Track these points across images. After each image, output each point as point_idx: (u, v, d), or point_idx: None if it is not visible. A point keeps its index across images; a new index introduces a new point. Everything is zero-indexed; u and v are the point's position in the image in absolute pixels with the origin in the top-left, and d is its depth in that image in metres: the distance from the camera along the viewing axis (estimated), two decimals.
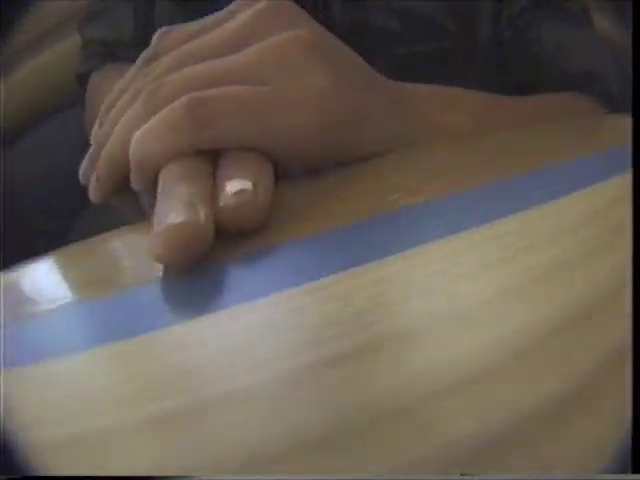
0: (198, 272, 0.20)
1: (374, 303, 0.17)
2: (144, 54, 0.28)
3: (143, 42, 0.54)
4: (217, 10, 0.47)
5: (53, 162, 0.72)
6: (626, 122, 0.24)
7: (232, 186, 0.21)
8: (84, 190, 0.28)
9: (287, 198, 0.23)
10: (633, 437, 0.16)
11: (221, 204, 0.21)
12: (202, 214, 0.20)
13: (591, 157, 0.27)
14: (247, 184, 0.21)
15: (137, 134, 0.24)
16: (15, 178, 0.68)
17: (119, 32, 0.56)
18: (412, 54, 0.43)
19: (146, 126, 0.24)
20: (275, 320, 0.18)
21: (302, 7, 0.28)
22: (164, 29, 0.29)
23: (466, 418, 0.14)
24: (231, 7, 0.27)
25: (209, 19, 0.28)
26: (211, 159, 0.23)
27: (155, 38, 0.29)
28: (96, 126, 0.28)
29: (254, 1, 0.27)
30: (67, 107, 0.74)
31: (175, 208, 0.20)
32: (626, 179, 0.21)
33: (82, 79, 0.58)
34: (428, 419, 0.14)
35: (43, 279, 0.26)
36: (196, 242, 0.20)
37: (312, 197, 0.24)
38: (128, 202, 0.27)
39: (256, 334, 0.17)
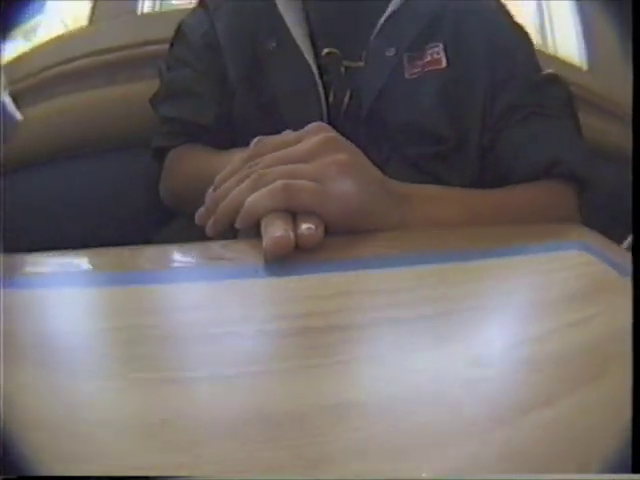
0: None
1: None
2: (249, 152, 0.46)
3: (221, 128, 0.67)
4: (281, 113, 0.62)
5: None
6: None
7: (305, 225, 0.40)
8: None
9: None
10: (633, 437, 0.17)
11: (298, 232, 0.39)
12: (291, 235, 0.39)
13: None
14: (312, 227, 0.40)
15: (250, 198, 0.42)
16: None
17: (200, 116, 0.65)
18: (420, 154, 0.61)
19: (255, 194, 0.42)
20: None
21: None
22: (259, 138, 0.47)
23: None
24: (302, 132, 0.46)
25: (287, 136, 0.46)
26: (290, 213, 0.41)
27: (254, 143, 0.47)
28: (211, 190, 0.46)
29: (317, 131, 0.45)
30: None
31: (279, 229, 0.39)
32: None
33: (159, 152, 0.68)
34: None
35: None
36: (287, 248, 0.38)
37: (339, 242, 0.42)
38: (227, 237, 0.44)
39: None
